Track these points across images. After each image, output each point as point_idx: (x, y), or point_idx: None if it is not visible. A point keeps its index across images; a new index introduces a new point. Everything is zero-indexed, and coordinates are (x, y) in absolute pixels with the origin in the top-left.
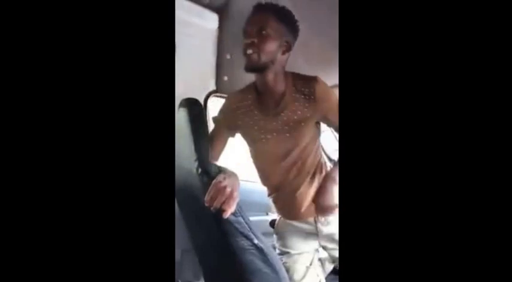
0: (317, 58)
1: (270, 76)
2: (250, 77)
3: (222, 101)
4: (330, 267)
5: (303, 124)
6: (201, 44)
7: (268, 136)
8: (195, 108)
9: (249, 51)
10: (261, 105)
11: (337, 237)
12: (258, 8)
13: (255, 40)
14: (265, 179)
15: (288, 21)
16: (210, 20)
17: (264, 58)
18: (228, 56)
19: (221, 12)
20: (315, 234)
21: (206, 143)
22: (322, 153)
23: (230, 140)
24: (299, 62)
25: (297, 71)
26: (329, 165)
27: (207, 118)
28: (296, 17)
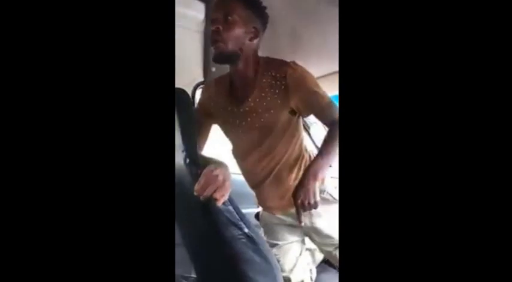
0: (307, 48)
1: (240, 64)
2: None
3: None
4: (320, 256)
5: (272, 111)
6: (188, 34)
7: (238, 124)
8: (182, 99)
9: (215, 39)
10: (232, 93)
11: (321, 228)
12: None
13: (220, 27)
14: (243, 170)
15: (255, 7)
16: (197, 10)
17: (231, 46)
18: None
19: (208, 1)
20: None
21: (194, 133)
22: (310, 147)
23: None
24: (287, 51)
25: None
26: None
27: (195, 109)
28: (290, 8)
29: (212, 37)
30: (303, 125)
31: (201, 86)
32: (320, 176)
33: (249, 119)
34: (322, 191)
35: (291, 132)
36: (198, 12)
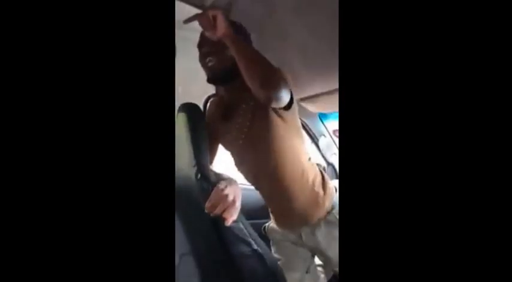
0: (316, 62)
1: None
2: None
3: None
4: (330, 273)
5: (253, 116)
6: None
7: (246, 143)
8: (195, 114)
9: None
10: (225, 113)
11: (324, 249)
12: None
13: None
14: (255, 186)
15: (241, 32)
16: None
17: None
18: None
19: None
20: (313, 251)
21: (206, 148)
22: (320, 161)
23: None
24: (297, 66)
25: (295, 75)
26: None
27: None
28: (295, 22)
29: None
30: (311, 138)
31: (213, 98)
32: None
33: (243, 137)
34: (333, 208)
35: (292, 145)
36: None
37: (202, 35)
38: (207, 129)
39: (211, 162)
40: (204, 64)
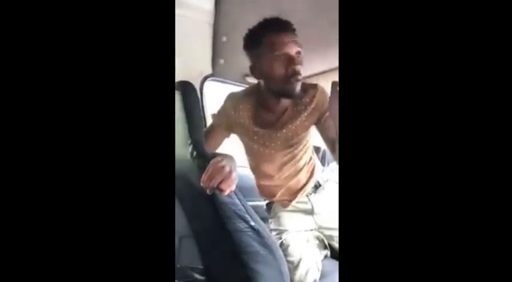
0: (316, 40)
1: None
2: (247, 62)
3: (219, 84)
4: (324, 252)
5: (299, 132)
6: (197, 25)
7: (267, 150)
8: (190, 92)
9: (297, 79)
10: (261, 117)
11: (328, 216)
12: (283, 25)
13: (301, 66)
14: (256, 173)
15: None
16: (207, 1)
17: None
18: (224, 39)
19: None
20: (311, 213)
21: (201, 127)
22: (320, 144)
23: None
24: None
25: None
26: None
27: (203, 102)
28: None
29: (294, 75)
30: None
31: (210, 78)
32: None
33: (279, 146)
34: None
35: (307, 139)
36: (207, 3)
37: (287, 49)
38: (223, 121)
39: (213, 150)
40: (288, 80)
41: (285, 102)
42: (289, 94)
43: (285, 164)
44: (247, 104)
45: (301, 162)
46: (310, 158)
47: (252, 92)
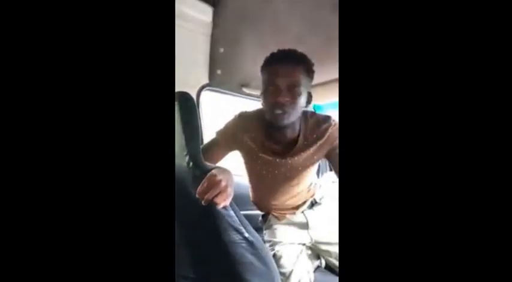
0: (313, 53)
1: (289, 129)
2: (244, 72)
3: (215, 94)
4: (316, 262)
5: (307, 163)
6: (194, 36)
7: (270, 174)
8: (187, 102)
9: (278, 111)
10: (268, 147)
11: (323, 231)
12: (286, 57)
13: (288, 99)
14: (254, 191)
15: (312, 72)
16: (205, 13)
17: (292, 118)
18: (222, 50)
19: (217, 5)
20: (305, 227)
21: (197, 137)
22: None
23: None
24: None
25: None
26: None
27: (200, 112)
28: (295, 15)
29: (276, 106)
30: None
31: (207, 88)
32: None
33: (284, 174)
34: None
35: (312, 169)
36: (205, 15)
37: (274, 79)
38: (228, 140)
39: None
40: (271, 110)
41: (292, 133)
42: (276, 126)
43: (286, 188)
44: (257, 130)
45: (303, 186)
46: (311, 183)
47: (262, 117)
